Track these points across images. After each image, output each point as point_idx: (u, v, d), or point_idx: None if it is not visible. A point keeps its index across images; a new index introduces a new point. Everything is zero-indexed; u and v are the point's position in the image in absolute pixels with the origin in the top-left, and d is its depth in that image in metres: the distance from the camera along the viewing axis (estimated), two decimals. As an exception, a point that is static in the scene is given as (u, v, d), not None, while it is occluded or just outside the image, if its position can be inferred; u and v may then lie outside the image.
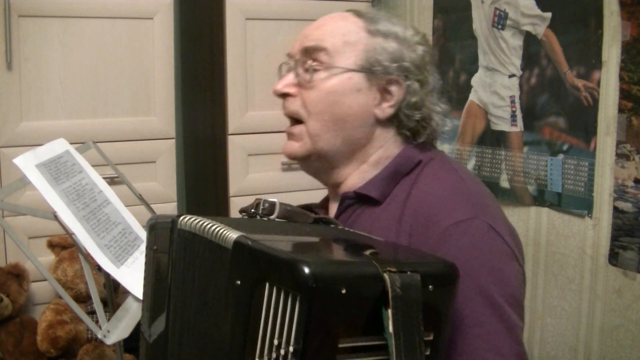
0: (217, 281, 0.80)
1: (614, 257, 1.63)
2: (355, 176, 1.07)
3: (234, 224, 0.82)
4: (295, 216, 0.99)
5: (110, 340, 1.18)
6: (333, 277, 0.67)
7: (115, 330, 1.19)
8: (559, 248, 1.81)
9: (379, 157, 1.06)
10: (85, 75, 2.05)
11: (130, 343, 1.66)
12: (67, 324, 1.90)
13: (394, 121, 1.05)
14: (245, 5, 2.19)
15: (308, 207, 1.14)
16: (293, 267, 0.66)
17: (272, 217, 0.97)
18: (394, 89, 1.02)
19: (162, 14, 2.13)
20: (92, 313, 1.74)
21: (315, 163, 1.07)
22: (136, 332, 1.22)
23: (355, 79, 1.02)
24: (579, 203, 1.73)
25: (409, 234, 0.95)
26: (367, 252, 0.75)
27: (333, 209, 1.11)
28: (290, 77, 1.07)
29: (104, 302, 1.40)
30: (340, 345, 0.68)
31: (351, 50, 1.02)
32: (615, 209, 1.62)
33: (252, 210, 0.99)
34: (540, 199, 1.84)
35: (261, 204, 0.98)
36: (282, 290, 0.67)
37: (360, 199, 1.04)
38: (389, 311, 0.68)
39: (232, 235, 0.77)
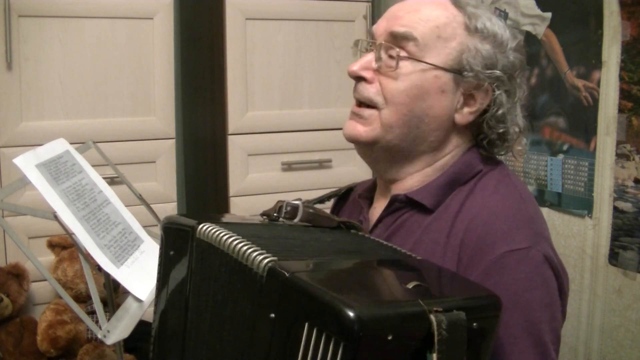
0: (235, 299, 0.76)
1: (614, 257, 1.63)
2: (416, 178, 0.99)
3: (254, 237, 0.78)
4: (318, 220, 0.94)
5: (110, 340, 1.18)
6: (379, 322, 0.63)
7: (115, 330, 1.19)
8: (559, 248, 1.80)
9: (445, 163, 0.99)
10: (85, 75, 2.05)
11: (130, 343, 1.66)
12: (67, 324, 1.90)
13: (472, 129, 0.98)
14: (245, 5, 2.19)
15: (350, 189, 1.08)
16: (338, 310, 0.62)
17: (295, 220, 0.93)
18: (480, 97, 0.95)
19: (162, 14, 2.13)
20: (92, 313, 1.74)
21: (378, 153, 0.99)
22: (136, 332, 1.22)
23: (443, 79, 0.94)
24: (579, 203, 1.73)
25: (457, 252, 0.89)
26: (411, 286, 0.71)
27: (380, 205, 1.04)
28: (368, 59, 0.97)
29: (104, 302, 1.40)
30: None
31: (443, 47, 0.94)
32: (615, 209, 1.62)
33: (275, 214, 0.94)
34: (540, 199, 1.84)
35: (284, 207, 0.93)
36: (324, 334, 0.63)
37: (411, 203, 0.97)
38: (434, 355, 0.65)
39: (261, 259, 0.72)
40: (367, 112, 0.97)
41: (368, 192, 1.10)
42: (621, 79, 1.58)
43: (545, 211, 1.84)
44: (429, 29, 0.94)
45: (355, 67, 0.97)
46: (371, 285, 0.76)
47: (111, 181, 1.60)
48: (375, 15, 2.45)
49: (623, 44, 1.57)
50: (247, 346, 0.73)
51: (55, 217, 1.18)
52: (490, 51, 0.95)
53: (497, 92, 0.95)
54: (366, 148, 0.99)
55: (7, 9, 1.90)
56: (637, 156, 1.56)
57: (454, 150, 0.99)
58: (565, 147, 1.76)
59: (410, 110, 0.94)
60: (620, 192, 1.61)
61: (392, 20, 0.96)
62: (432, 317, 0.65)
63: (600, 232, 1.67)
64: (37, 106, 2.00)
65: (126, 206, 1.42)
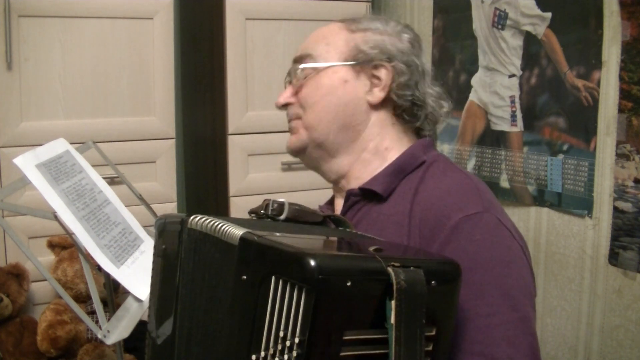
0: (225, 279, 0.80)
1: (614, 257, 1.63)
2: (357, 167, 1.09)
3: (243, 224, 0.82)
4: (304, 215, 0.99)
5: (110, 340, 1.18)
6: (339, 269, 0.68)
7: (115, 330, 1.19)
8: (559, 248, 1.81)
9: (377, 146, 1.08)
10: (85, 75, 2.05)
11: (130, 343, 1.66)
12: (67, 324, 1.90)
13: (388, 105, 1.08)
14: (245, 5, 2.19)
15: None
16: (300, 259, 0.67)
17: (281, 217, 0.98)
18: (381, 73, 1.06)
19: (162, 14, 2.13)
20: (92, 313, 1.74)
21: (314, 153, 1.11)
22: (136, 332, 1.22)
23: (341, 72, 1.07)
24: (579, 203, 1.73)
25: (419, 229, 0.96)
26: (371, 249, 0.76)
27: (339, 206, 1.12)
28: (287, 90, 1.13)
29: (104, 302, 1.40)
30: (345, 338, 0.69)
31: (333, 48, 1.08)
32: (615, 209, 1.62)
33: (262, 211, 0.99)
34: (540, 199, 1.84)
35: (270, 205, 0.99)
36: (288, 283, 0.69)
37: (365, 195, 1.06)
38: (393, 303, 0.69)
39: (239, 232, 0.78)
40: (294, 122, 1.12)
41: (329, 203, 1.19)
42: (621, 79, 1.58)
43: (545, 211, 1.84)
44: (318, 42, 1.10)
45: (280, 99, 1.14)
46: (334, 247, 0.86)
47: (111, 181, 1.60)
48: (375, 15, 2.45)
49: (623, 44, 1.57)
50: (230, 316, 0.78)
51: (55, 217, 1.18)
52: (377, 37, 1.08)
53: (393, 63, 1.06)
54: (304, 155, 1.12)
55: (7, 9, 1.90)
56: (637, 156, 1.56)
57: (381, 132, 1.09)
58: (565, 147, 1.76)
59: (324, 106, 1.07)
60: (620, 192, 1.61)
61: (294, 55, 1.14)
62: (389, 269, 0.70)
63: (600, 232, 1.67)
64: (37, 106, 2.00)
65: (126, 206, 1.42)
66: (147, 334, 0.97)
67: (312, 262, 0.66)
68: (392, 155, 1.08)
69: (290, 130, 1.13)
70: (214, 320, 0.83)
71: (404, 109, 1.08)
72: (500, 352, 0.87)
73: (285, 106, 1.14)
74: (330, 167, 1.11)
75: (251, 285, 0.73)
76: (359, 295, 0.70)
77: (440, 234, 0.93)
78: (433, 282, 0.73)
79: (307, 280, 0.67)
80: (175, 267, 0.90)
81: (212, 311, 0.83)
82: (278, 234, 0.82)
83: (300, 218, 0.99)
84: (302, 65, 1.10)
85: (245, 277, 0.75)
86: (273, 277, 0.70)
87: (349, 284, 0.68)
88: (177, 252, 0.90)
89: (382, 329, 0.70)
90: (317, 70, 1.08)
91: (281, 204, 0.98)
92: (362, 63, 1.06)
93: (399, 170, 1.05)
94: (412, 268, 0.72)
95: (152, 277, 0.97)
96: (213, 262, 0.84)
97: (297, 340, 0.67)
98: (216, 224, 0.83)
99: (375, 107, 1.07)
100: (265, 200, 1.00)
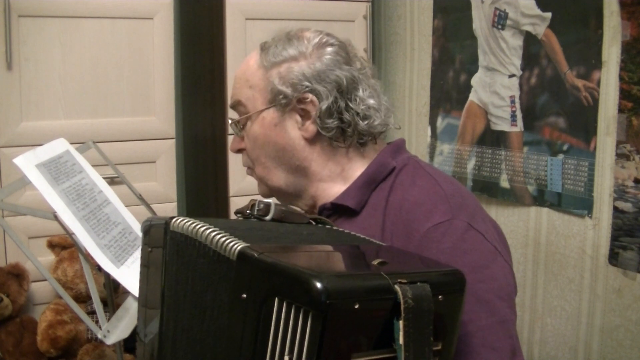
0: (215, 288, 0.78)
1: (614, 257, 1.63)
2: (323, 194, 1.09)
3: (230, 228, 0.80)
4: (290, 217, 0.99)
5: (110, 340, 1.18)
6: (346, 292, 0.66)
7: (115, 330, 1.19)
8: (559, 248, 1.81)
9: (331, 172, 1.07)
10: (85, 75, 2.05)
11: (130, 343, 1.66)
12: (67, 324, 1.90)
13: (322, 134, 1.05)
14: (245, 5, 2.19)
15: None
16: (305, 282, 0.65)
17: (267, 218, 0.97)
18: (309, 106, 1.03)
19: (162, 14, 2.13)
20: (92, 313, 1.74)
21: (280, 198, 1.13)
22: (136, 332, 1.22)
23: (269, 117, 1.06)
24: (579, 203, 1.73)
25: (391, 241, 0.95)
26: (375, 262, 0.74)
27: None
28: (235, 138, 1.16)
29: (104, 302, 1.40)
30: None
31: (257, 92, 1.07)
32: (615, 209, 1.62)
33: (248, 211, 0.99)
34: (540, 199, 1.84)
35: (256, 205, 0.98)
36: (293, 306, 0.66)
37: (337, 210, 1.05)
38: (401, 322, 0.67)
39: (235, 245, 0.75)
40: (250, 173, 1.16)
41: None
42: (621, 79, 1.58)
43: (545, 211, 1.84)
44: (243, 87, 1.09)
45: (231, 147, 1.16)
46: (338, 262, 0.82)
47: (111, 181, 1.60)
48: (375, 15, 2.45)
49: (623, 44, 1.57)
50: (225, 332, 0.76)
51: (55, 217, 1.18)
52: (291, 66, 1.04)
53: (316, 90, 1.02)
54: (276, 198, 1.13)
55: (7, 9, 1.90)
56: (637, 156, 1.56)
57: (331, 159, 1.07)
58: (565, 147, 1.76)
59: (266, 157, 1.08)
60: (620, 192, 1.61)
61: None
62: (397, 287, 0.68)
63: (600, 232, 1.67)
64: (37, 106, 2.00)
65: (126, 206, 1.42)
66: (136, 334, 0.97)
67: (319, 285, 0.64)
68: (354, 172, 1.06)
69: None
70: (201, 328, 0.81)
71: (331, 137, 1.05)
72: (482, 359, 0.87)
73: (239, 152, 1.16)
74: (298, 203, 1.13)
75: (252, 304, 0.71)
76: (367, 316, 0.68)
77: (410, 246, 0.92)
78: (440, 296, 0.72)
79: (313, 305, 0.64)
80: (160, 269, 0.89)
81: (198, 317, 0.82)
82: (275, 245, 0.79)
83: (286, 219, 0.98)
84: (236, 118, 1.11)
85: (245, 295, 0.72)
86: (276, 298, 0.67)
87: (357, 306, 0.65)
88: (162, 254, 0.89)
89: (389, 348, 0.69)
90: (249, 119, 1.08)
91: (267, 205, 0.98)
92: (285, 103, 1.04)
93: (370, 182, 1.04)
94: (418, 284, 0.70)
95: (140, 278, 0.97)
96: (197, 266, 0.82)
97: None
98: (198, 227, 0.81)
99: (312, 140, 1.05)
100: (251, 200, 0.99)
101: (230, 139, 2.22)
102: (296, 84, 1.03)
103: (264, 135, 1.07)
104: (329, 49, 1.05)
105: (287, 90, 1.03)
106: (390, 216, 0.97)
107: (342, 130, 1.04)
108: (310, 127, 1.04)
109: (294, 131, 1.06)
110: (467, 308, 0.87)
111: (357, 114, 1.04)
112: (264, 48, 1.09)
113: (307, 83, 1.03)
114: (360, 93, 1.05)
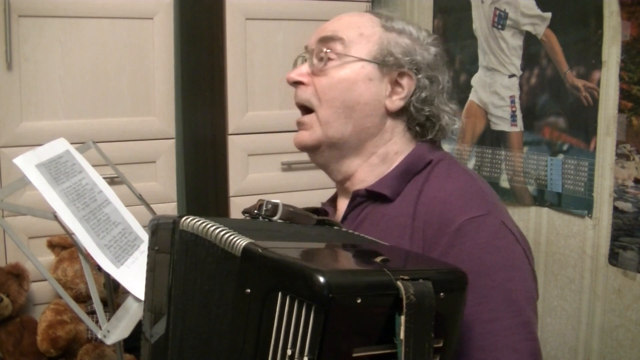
0: (222, 287, 0.79)
1: (614, 257, 1.63)
2: (365, 170, 1.07)
3: (238, 227, 0.80)
4: (298, 218, 0.98)
5: (110, 340, 1.18)
6: (349, 287, 0.66)
7: (115, 330, 1.19)
8: (559, 248, 1.81)
9: (388, 151, 1.07)
10: (85, 75, 2.05)
11: (130, 343, 1.66)
12: (67, 324, 1.90)
13: (403, 115, 1.07)
14: (245, 5, 2.19)
15: (315, 210, 1.14)
16: (308, 276, 0.65)
17: (274, 218, 0.97)
18: (405, 82, 1.04)
19: (162, 14, 2.13)
20: (92, 313, 1.74)
21: (326, 152, 1.07)
22: (136, 332, 1.22)
23: (368, 69, 1.04)
24: (579, 203, 1.73)
25: (422, 230, 0.95)
26: (378, 260, 0.74)
27: (342, 205, 1.11)
28: (304, 67, 1.08)
29: (104, 302, 1.40)
30: (354, 355, 0.67)
31: (366, 42, 1.05)
32: (615, 209, 1.62)
33: (255, 211, 0.98)
34: (540, 199, 1.84)
35: (264, 205, 0.97)
36: (296, 300, 0.67)
37: (372, 196, 1.05)
38: (402, 317, 0.68)
39: (240, 241, 0.75)
40: (307, 117, 1.07)
41: (331, 201, 1.18)
42: (621, 79, 1.58)
43: (545, 211, 1.84)
44: (352, 29, 1.06)
45: (293, 74, 1.08)
46: (341, 259, 0.83)
47: (111, 181, 1.60)
48: (375, 15, 2.44)
49: (623, 44, 1.57)
50: (229, 327, 0.76)
51: (55, 217, 1.18)
52: (409, 43, 1.06)
53: (419, 76, 1.05)
54: (314, 152, 1.08)
55: (7, 9, 1.90)
56: (637, 156, 1.56)
57: (393, 138, 1.07)
58: (565, 147, 1.76)
59: (342, 102, 1.03)
60: (620, 192, 1.61)
61: (320, 31, 1.09)
62: (399, 283, 0.69)
63: (600, 232, 1.67)
64: (37, 106, 2.00)
65: (126, 206, 1.42)
66: (142, 334, 0.97)
67: (322, 279, 0.64)
68: (398, 158, 1.07)
69: (301, 125, 1.08)
70: (208, 327, 0.81)
71: (418, 122, 1.07)
72: (502, 359, 0.87)
73: (296, 83, 1.08)
74: (338, 167, 1.09)
75: (255, 299, 0.71)
76: (368, 311, 0.68)
77: (443, 237, 0.92)
78: (442, 293, 0.72)
79: (316, 299, 0.65)
80: (168, 268, 0.89)
81: (205, 317, 0.82)
82: (280, 242, 0.79)
83: (294, 220, 0.98)
84: (329, 53, 1.05)
85: (249, 290, 0.72)
86: (280, 293, 0.68)
87: (359, 301, 0.66)
88: (169, 253, 0.89)
89: (390, 343, 0.69)
90: (343, 59, 1.04)
91: (275, 205, 0.97)
92: (391, 67, 1.04)
93: (407, 172, 1.04)
94: (420, 280, 0.70)
95: (146, 277, 0.96)
96: (206, 265, 0.82)
97: (306, 358, 0.65)
98: (209, 227, 0.81)
99: (392, 114, 1.06)
100: (259, 200, 0.99)
101: (230, 139, 2.22)
102: (407, 60, 1.04)
103: (353, 83, 1.03)
104: (435, 49, 1.08)
105: (399, 56, 1.04)
106: (424, 205, 0.97)
107: (427, 120, 1.07)
108: (398, 102, 1.05)
109: (382, 96, 1.05)
110: (494, 306, 0.88)
111: (446, 112, 1.08)
112: (379, 14, 1.10)
113: (416, 63, 1.05)
114: (446, 97, 1.09)
